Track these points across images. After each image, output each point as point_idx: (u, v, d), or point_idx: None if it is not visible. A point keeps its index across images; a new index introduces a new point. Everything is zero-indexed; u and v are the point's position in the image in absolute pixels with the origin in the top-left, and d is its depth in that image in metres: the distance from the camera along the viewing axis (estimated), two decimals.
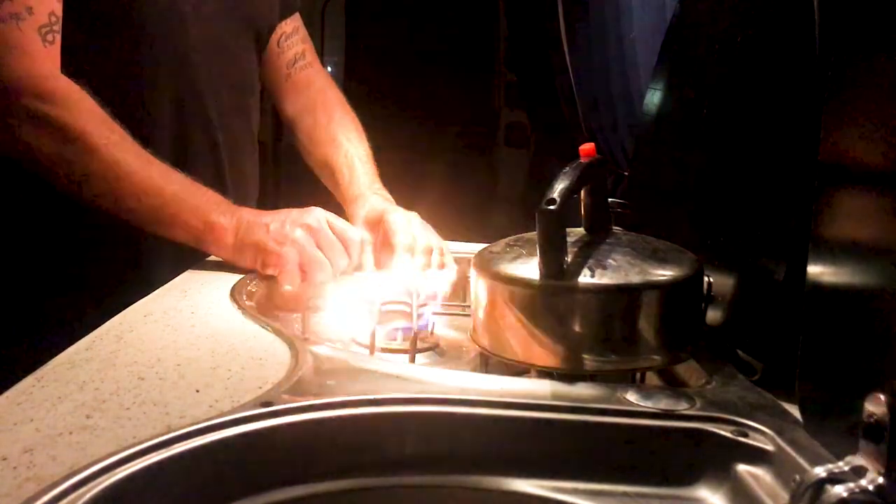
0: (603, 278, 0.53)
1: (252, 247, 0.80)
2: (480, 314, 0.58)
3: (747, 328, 0.59)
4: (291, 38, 1.15)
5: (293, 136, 1.18)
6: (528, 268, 0.55)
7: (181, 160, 0.89)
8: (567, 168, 0.56)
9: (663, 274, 0.55)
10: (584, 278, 0.53)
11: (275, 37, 1.12)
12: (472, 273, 0.59)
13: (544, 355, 0.54)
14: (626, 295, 0.53)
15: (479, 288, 0.58)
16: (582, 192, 0.58)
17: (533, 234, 0.55)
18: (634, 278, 0.54)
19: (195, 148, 0.96)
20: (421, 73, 3.55)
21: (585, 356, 0.53)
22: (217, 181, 0.95)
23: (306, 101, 1.15)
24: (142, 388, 0.49)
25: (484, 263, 0.58)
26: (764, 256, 0.58)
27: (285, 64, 1.14)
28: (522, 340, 0.55)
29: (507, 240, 0.62)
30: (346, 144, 1.07)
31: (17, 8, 0.79)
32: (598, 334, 0.53)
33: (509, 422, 0.47)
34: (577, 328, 0.53)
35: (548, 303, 0.54)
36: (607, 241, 0.57)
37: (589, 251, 0.56)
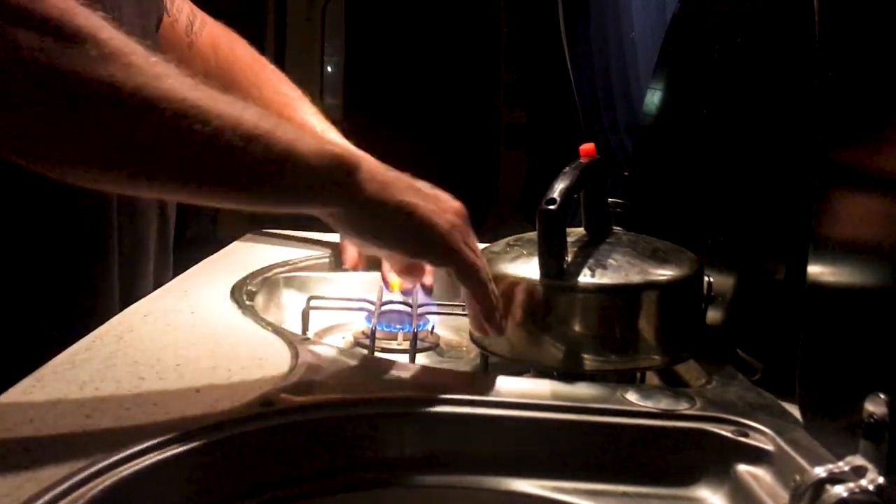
0: (603, 278, 0.53)
1: (405, 211, 0.51)
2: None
3: (747, 328, 0.59)
4: None
5: None
6: (529, 268, 0.55)
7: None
8: (567, 168, 0.56)
9: (663, 274, 0.55)
10: (584, 278, 0.53)
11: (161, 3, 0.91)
12: None
13: (544, 355, 0.54)
14: (626, 295, 0.54)
15: None
16: (582, 192, 0.58)
17: (533, 234, 0.55)
18: (634, 278, 0.54)
19: None
20: (420, 74, 3.55)
21: (585, 356, 0.53)
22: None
23: (219, 71, 0.95)
24: (142, 388, 0.49)
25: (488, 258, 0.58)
26: (764, 256, 0.58)
27: (184, 31, 0.93)
28: (522, 340, 0.55)
29: (507, 240, 0.62)
30: (302, 119, 0.92)
31: None
32: (598, 334, 0.53)
33: (509, 422, 0.47)
34: (576, 328, 0.53)
35: (548, 303, 0.54)
36: (607, 241, 0.58)
37: (589, 251, 0.56)
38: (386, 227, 0.51)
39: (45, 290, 0.72)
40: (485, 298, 0.53)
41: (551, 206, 0.52)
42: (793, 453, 0.42)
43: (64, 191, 0.68)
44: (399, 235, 0.52)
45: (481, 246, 0.65)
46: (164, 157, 0.45)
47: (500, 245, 0.61)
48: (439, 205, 0.54)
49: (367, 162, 0.52)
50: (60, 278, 0.72)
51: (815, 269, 0.44)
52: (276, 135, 0.47)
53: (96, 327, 0.62)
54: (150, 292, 0.78)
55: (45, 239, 0.71)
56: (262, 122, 0.47)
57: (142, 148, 0.44)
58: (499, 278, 0.56)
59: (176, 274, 0.83)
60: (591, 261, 0.55)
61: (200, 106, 0.44)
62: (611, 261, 0.55)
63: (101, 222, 0.75)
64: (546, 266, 0.53)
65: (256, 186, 0.47)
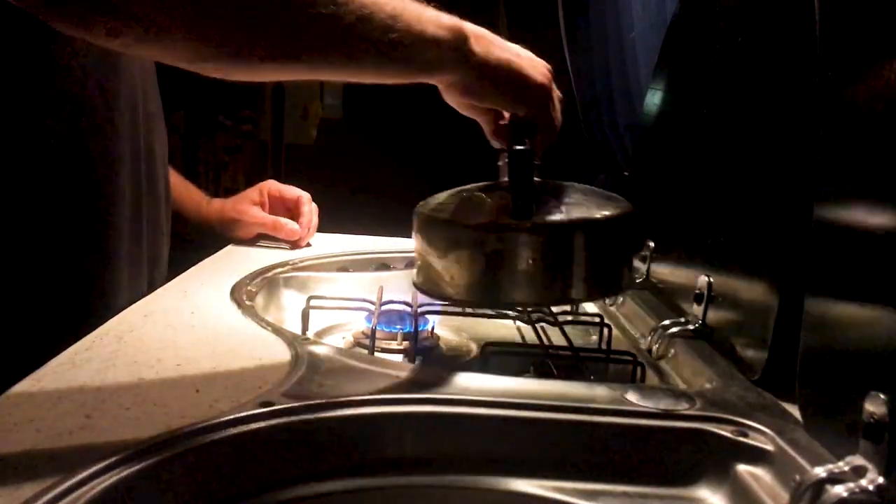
0: (557, 216, 0.57)
1: (506, 66, 0.58)
2: (431, 260, 0.60)
3: (747, 328, 0.59)
4: None
5: None
6: (478, 212, 0.58)
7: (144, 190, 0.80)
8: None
9: (610, 211, 0.58)
10: (543, 217, 0.57)
11: None
12: (419, 220, 0.62)
13: (495, 295, 0.58)
14: (585, 230, 0.57)
15: (427, 235, 0.60)
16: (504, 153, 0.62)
17: (475, 185, 0.61)
18: (595, 214, 0.57)
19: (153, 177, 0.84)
20: None
21: (537, 291, 0.57)
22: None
23: None
24: (142, 388, 0.49)
25: (431, 211, 0.61)
26: (764, 256, 0.58)
27: None
28: (478, 282, 0.57)
29: (448, 192, 0.65)
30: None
31: None
32: (558, 270, 0.57)
33: (509, 422, 0.47)
34: (534, 265, 0.56)
35: (510, 243, 0.56)
36: (546, 188, 0.61)
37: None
38: (492, 83, 0.58)
39: (73, 278, 0.73)
40: (547, 143, 0.61)
41: (522, 146, 0.56)
42: (793, 453, 0.42)
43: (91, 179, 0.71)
44: (503, 89, 0.58)
45: None
46: (327, 41, 0.49)
47: (443, 195, 0.64)
48: (532, 61, 0.60)
49: (472, 27, 0.57)
50: (88, 263, 0.74)
51: (814, 269, 0.44)
52: (408, 13, 0.52)
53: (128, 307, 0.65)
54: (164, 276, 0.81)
55: (73, 227, 0.73)
56: (395, 6, 0.51)
57: (306, 39, 0.49)
58: (447, 225, 0.58)
59: (176, 274, 0.83)
60: (546, 201, 0.58)
61: None
62: (559, 203, 0.58)
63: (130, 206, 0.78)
64: (518, 205, 0.55)
65: (397, 60, 0.53)
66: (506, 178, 0.63)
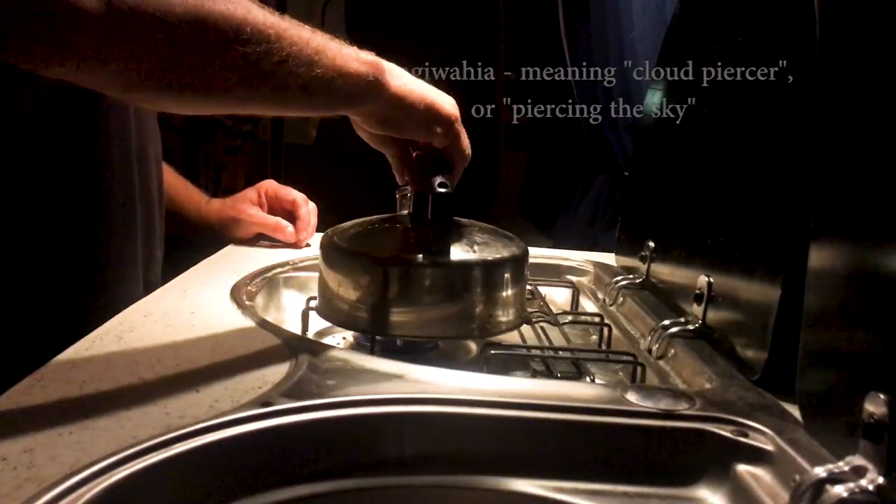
0: (470, 255, 0.62)
1: (420, 98, 0.62)
2: (339, 290, 0.64)
3: (747, 328, 0.59)
4: None
5: None
6: (396, 246, 0.63)
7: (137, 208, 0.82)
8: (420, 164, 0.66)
9: (515, 250, 0.65)
10: (464, 255, 0.62)
11: None
12: (329, 252, 0.65)
13: (437, 327, 0.63)
14: (508, 265, 0.63)
15: (339, 266, 0.64)
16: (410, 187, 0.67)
17: (379, 217, 0.67)
18: (504, 253, 0.63)
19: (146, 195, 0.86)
20: (420, 74, 3.54)
21: (474, 323, 0.62)
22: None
23: None
24: (142, 388, 0.49)
25: (343, 243, 0.64)
26: (764, 256, 0.58)
27: None
28: (420, 317, 0.62)
29: (355, 222, 0.68)
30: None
31: None
32: (490, 302, 0.63)
33: (509, 422, 0.47)
34: (469, 298, 0.62)
35: (437, 278, 0.61)
36: (458, 225, 0.65)
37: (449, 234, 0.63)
38: (410, 113, 0.61)
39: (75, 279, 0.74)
40: (460, 171, 0.67)
41: (445, 190, 0.60)
42: (793, 453, 0.42)
43: (95, 179, 0.70)
44: (419, 119, 0.62)
45: None
46: (258, 77, 0.50)
47: (350, 226, 0.67)
48: (441, 95, 0.64)
49: (386, 62, 0.60)
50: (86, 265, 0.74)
51: (815, 269, 0.44)
52: (330, 49, 0.54)
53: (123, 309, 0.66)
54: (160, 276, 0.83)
55: (75, 229, 0.74)
56: (318, 43, 0.54)
57: (235, 76, 0.49)
58: (364, 258, 0.62)
59: (176, 274, 0.83)
60: (457, 240, 0.63)
61: (272, 33, 0.50)
62: (470, 242, 0.63)
63: (126, 206, 0.79)
64: (437, 244, 0.60)
65: (321, 94, 0.55)
66: (405, 212, 0.68)
